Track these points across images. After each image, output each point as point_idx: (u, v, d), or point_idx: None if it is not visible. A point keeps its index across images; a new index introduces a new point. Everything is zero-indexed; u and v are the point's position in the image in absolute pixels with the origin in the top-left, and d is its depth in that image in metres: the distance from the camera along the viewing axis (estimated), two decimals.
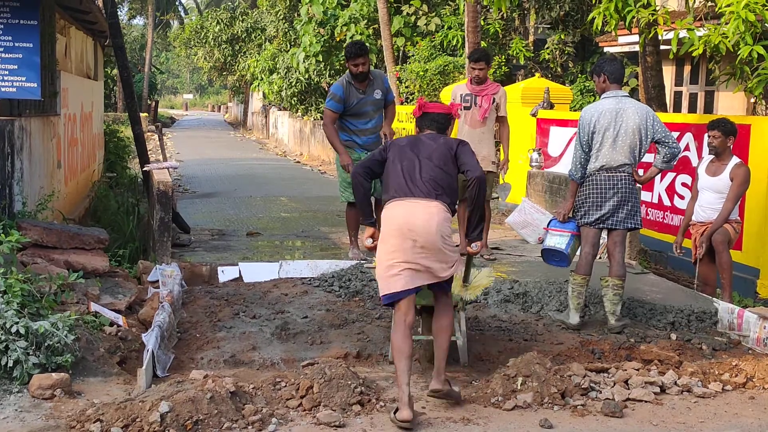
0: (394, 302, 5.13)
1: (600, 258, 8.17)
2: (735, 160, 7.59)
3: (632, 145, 6.61)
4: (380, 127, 8.32)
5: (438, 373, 5.12)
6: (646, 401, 5.27)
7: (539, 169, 11.71)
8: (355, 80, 8.14)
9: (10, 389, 5.03)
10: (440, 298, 5.30)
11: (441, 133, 5.47)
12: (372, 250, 5.53)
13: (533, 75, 17.35)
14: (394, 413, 4.80)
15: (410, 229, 5.05)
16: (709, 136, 7.63)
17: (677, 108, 16.83)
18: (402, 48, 21.31)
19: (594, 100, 17.25)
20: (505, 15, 19.84)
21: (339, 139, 8.19)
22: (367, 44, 21.28)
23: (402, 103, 18.64)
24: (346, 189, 8.25)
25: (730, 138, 7.57)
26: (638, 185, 6.89)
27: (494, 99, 8.61)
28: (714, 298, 7.34)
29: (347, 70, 8.19)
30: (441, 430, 4.75)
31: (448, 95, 14.39)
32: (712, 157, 7.74)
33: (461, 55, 18.56)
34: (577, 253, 6.91)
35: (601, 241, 7.08)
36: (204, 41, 41.43)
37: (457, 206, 5.47)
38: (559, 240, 6.83)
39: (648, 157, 8.27)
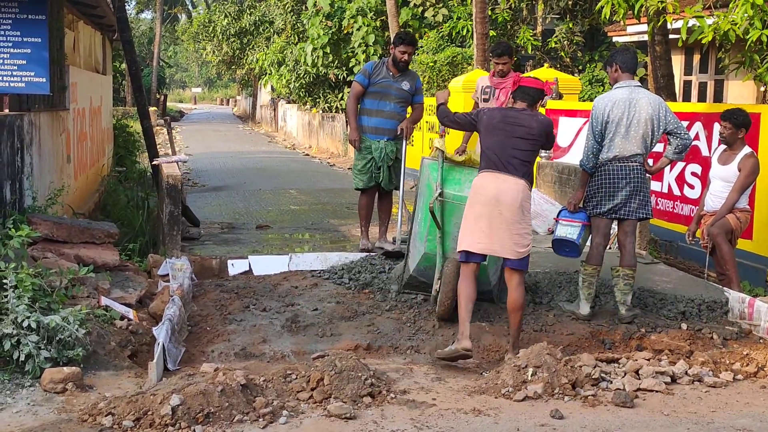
0: (467, 258, 5.93)
1: (610, 248, 8.15)
2: (746, 150, 7.54)
3: (644, 136, 6.59)
4: (399, 117, 8.29)
5: (513, 347, 5.91)
6: (656, 391, 5.26)
7: (548, 159, 11.67)
8: (393, 65, 8.21)
9: (22, 383, 5.06)
10: (513, 277, 5.90)
11: (531, 107, 6.06)
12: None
13: (542, 65, 17.28)
14: (454, 344, 5.76)
15: (498, 200, 5.79)
16: (721, 126, 7.60)
17: (686, 97, 16.75)
18: None
19: (603, 90, 17.23)
20: (513, 5, 19.78)
21: (355, 115, 8.34)
22: (374, 36, 21.48)
23: None
24: (356, 176, 8.36)
25: (741, 130, 7.52)
26: (648, 175, 6.87)
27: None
28: (725, 288, 7.31)
29: (390, 55, 8.29)
30: (452, 422, 4.75)
31: (457, 86, 14.38)
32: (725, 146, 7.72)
33: (469, 46, 18.50)
34: (588, 243, 6.89)
35: (611, 232, 7.04)
36: (212, 35, 41.43)
37: None
38: (569, 230, 6.81)
39: (657, 147, 8.24)
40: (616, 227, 6.93)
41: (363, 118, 8.29)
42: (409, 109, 8.42)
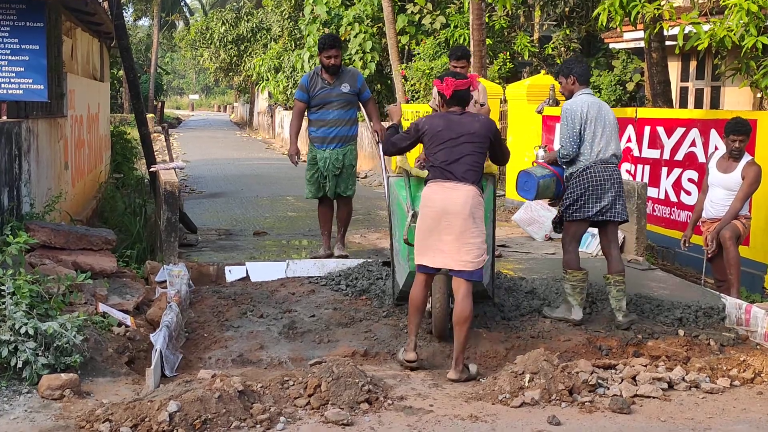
0: (422, 270, 5.80)
1: (596, 256, 8.18)
2: (747, 157, 7.54)
3: (616, 137, 6.74)
4: (347, 122, 8.42)
5: (456, 363, 5.60)
6: (653, 397, 5.28)
7: None
8: (325, 72, 8.30)
9: (19, 390, 5.06)
10: (460, 288, 5.65)
11: (464, 107, 5.98)
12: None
13: (539, 72, 17.32)
14: (402, 354, 5.82)
15: (446, 210, 5.62)
16: (734, 141, 7.49)
17: (683, 104, 16.78)
18: (407, 46, 21.32)
19: (599, 97, 17.25)
20: (510, 12, 19.82)
21: (295, 131, 8.50)
22: (371, 43, 21.52)
23: (408, 101, 18.63)
24: (306, 186, 8.57)
25: (749, 138, 7.57)
26: None
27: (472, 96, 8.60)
28: (722, 294, 7.33)
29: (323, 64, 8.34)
30: (449, 428, 4.76)
31: None
32: (722, 152, 7.70)
33: None
34: (566, 239, 6.90)
35: (595, 240, 7.02)
36: (209, 42, 41.51)
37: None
38: (539, 170, 6.87)
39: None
40: (598, 235, 6.96)
41: (310, 130, 8.48)
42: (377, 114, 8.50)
